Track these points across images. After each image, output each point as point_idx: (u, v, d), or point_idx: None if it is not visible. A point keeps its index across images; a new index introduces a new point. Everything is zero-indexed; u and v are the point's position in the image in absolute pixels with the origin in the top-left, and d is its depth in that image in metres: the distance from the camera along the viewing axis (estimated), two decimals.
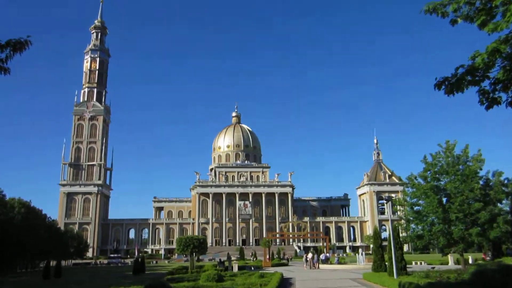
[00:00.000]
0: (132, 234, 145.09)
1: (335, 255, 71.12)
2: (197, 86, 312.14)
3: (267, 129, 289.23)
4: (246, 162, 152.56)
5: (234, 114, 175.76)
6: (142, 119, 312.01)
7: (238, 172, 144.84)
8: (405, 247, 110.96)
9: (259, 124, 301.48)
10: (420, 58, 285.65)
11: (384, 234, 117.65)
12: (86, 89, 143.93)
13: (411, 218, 30.19)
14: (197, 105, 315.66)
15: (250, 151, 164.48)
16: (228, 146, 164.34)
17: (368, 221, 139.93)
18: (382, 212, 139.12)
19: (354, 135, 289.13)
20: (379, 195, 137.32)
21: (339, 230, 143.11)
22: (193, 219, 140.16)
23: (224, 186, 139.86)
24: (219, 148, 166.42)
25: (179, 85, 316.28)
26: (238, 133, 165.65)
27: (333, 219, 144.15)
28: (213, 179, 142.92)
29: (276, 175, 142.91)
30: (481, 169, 28.16)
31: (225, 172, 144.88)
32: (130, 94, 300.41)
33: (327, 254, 59.11)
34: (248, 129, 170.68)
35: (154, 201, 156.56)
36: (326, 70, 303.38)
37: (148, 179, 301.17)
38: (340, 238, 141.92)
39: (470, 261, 45.32)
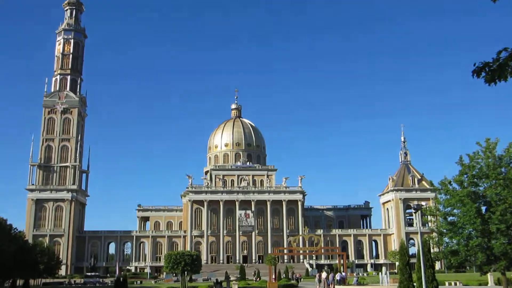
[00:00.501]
0: (112, 248, 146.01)
1: (354, 274, 71.62)
2: (190, 74, 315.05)
3: (273, 125, 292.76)
4: (248, 163, 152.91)
5: (233, 106, 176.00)
6: (125, 113, 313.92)
7: (238, 176, 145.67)
8: (437, 265, 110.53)
9: (263, 119, 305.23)
10: (456, 46, 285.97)
11: (412, 250, 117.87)
12: (58, 77, 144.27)
13: (445, 231, 30.20)
14: (190, 97, 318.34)
15: (253, 151, 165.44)
16: (226, 145, 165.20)
17: (393, 234, 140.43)
18: (410, 223, 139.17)
19: (377, 132, 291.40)
20: (406, 203, 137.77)
21: (358, 244, 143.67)
22: (185, 232, 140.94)
23: (222, 192, 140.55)
24: (216, 147, 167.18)
25: (168, 74, 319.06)
26: (239, 129, 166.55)
27: (351, 231, 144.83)
28: (208, 183, 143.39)
29: (284, 180, 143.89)
30: None
31: (223, 176, 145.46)
32: (111, 84, 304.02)
33: (344, 274, 59.52)
34: (251, 124, 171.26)
35: (139, 210, 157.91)
36: (344, 58, 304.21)
37: (132, 183, 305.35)
38: (359, 255, 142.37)
39: None
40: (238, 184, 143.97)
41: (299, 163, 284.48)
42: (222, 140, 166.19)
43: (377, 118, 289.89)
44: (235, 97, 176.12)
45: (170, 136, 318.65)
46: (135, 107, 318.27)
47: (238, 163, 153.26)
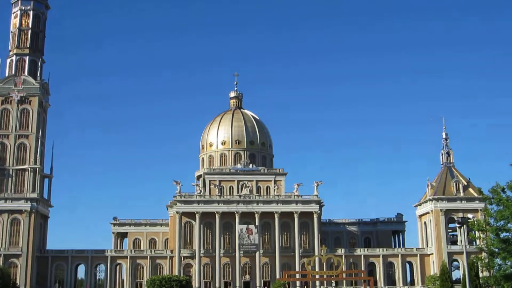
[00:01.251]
0: (81, 272, 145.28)
1: None
2: (177, 53, 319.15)
3: (282, 118, 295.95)
4: (250, 166, 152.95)
5: (232, 94, 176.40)
6: (97, 103, 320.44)
7: (238, 182, 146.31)
8: None
9: (270, 110, 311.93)
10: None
11: (457, 274, 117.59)
12: (14, 58, 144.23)
13: (497, 250, 30.13)
14: (178, 82, 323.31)
15: (257, 150, 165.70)
16: (223, 143, 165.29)
17: (432, 254, 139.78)
18: (453, 241, 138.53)
19: (411, 126, 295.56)
20: (449, 215, 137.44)
21: (389, 267, 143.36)
22: (172, 251, 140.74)
23: (218, 202, 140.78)
24: (211, 145, 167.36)
25: (151, 56, 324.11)
26: (239, 123, 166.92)
27: (380, 251, 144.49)
28: (201, 191, 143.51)
29: (296, 186, 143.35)
30: None
31: (219, 181, 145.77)
32: (80, 67, 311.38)
33: None
34: (254, 117, 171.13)
35: (114, 224, 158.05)
36: (369, 29, 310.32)
37: (106, 191, 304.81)
38: (390, 280, 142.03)
39: None
40: (238, 192, 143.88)
41: (314, 165, 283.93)
42: (219, 136, 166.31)
43: (409, 105, 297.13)
44: (235, 83, 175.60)
45: (154, 131, 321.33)
46: (110, 97, 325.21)
47: (239, 166, 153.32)
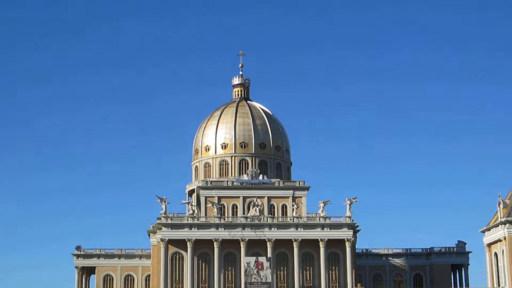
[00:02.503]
0: None
1: None
2: (164, 32, 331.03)
3: (303, 114, 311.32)
4: (261, 177, 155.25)
5: (236, 80, 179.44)
6: (51, 91, 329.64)
7: (244, 199, 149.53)
8: None
9: (287, 103, 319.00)
10: None
11: None
12: None
13: None
14: (164, 67, 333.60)
15: (269, 156, 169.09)
16: (224, 146, 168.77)
17: None
18: None
19: (475, 127, 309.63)
20: None
21: None
22: None
23: (217, 226, 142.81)
24: (207, 149, 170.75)
25: (127, 30, 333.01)
26: (246, 120, 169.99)
27: None
28: (194, 211, 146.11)
29: (322, 205, 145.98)
30: None
31: (219, 199, 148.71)
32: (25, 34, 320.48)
33: None
34: (265, 112, 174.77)
35: (78, 256, 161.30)
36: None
37: (67, 212, 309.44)
38: None
39: None
40: (244, 213, 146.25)
41: (346, 177, 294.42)
42: (218, 138, 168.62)
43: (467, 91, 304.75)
44: (240, 67, 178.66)
45: (131, 130, 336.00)
46: (75, 80, 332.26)
47: (245, 177, 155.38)
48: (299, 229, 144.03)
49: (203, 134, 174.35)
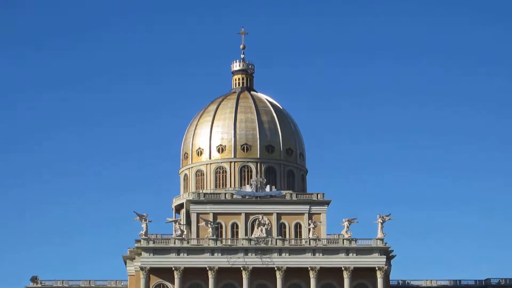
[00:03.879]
0: None
1: None
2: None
3: (320, 109, 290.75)
4: (268, 189, 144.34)
5: (237, 66, 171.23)
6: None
7: (247, 216, 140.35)
8: None
9: (300, 95, 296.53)
10: None
11: None
12: None
13: None
14: (144, 48, 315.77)
15: (279, 162, 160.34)
16: (221, 149, 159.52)
17: None
18: None
19: None
20: None
21: None
22: None
23: (213, 250, 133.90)
24: (199, 153, 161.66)
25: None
26: (248, 115, 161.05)
27: None
28: (182, 232, 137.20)
29: (346, 224, 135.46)
30: None
31: (215, 216, 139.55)
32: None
33: None
34: (274, 105, 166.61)
35: None
36: None
37: (20, 233, 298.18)
38: None
39: None
40: (247, 234, 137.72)
41: (377, 189, 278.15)
42: (213, 138, 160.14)
43: None
44: (241, 48, 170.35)
45: (100, 131, 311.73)
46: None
47: (247, 188, 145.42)
48: (317, 254, 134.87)
49: (194, 133, 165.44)
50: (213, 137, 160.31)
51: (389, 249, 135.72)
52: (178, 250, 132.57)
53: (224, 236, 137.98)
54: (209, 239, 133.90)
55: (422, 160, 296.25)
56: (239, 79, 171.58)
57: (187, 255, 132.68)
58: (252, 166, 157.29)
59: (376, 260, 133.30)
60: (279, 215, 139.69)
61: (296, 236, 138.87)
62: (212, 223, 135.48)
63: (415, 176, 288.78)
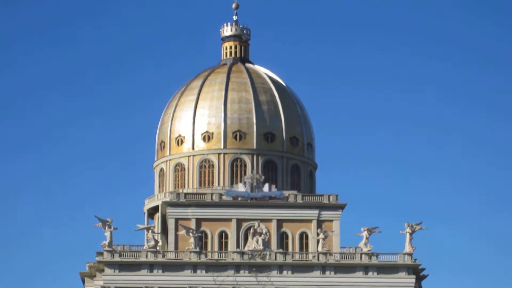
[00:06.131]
0: None
1: None
2: None
3: (335, 86, 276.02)
4: (267, 188, 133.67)
5: (228, 31, 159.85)
6: None
7: (239, 222, 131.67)
8: None
9: (309, 69, 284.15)
10: None
11: None
12: None
13: None
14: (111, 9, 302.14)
15: (281, 153, 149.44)
16: (208, 137, 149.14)
17: None
18: None
19: None
20: None
21: None
22: None
23: (196, 266, 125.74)
24: (179, 141, 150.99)
25: None
26: (242, 94, 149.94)
27: None
28: (156, 242, 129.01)
29: (366, 234, 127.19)
30: None
31: (197, 221, 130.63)
32: None
33: None
34: (274, 81, 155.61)
35: None
36: None
37: None
38: None
39: None
40: (239, 246, 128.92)
41: (403, 190, 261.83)
42: (197, 122, 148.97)
43: None
44: (233, 7, 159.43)
45: (57, 117, 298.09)
46: None
47: (240, 187, 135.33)
48: (327, 273, 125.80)
49: (173, 117, 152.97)
50: (197, 121, 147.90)
51: (420, 267, 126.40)
52: (151, 266, 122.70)
53: (209, 249, 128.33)
54: (190, 252, 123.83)
55: (458, 155, 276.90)
56: (230, 47, 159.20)
57: (163, 272, 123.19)
58: (247, 159, 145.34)
59: (402, 281, 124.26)
60: (280, 222, 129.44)
61: (301, 249, 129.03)
62: (194, 232, 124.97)
63: (454, 177, 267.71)
